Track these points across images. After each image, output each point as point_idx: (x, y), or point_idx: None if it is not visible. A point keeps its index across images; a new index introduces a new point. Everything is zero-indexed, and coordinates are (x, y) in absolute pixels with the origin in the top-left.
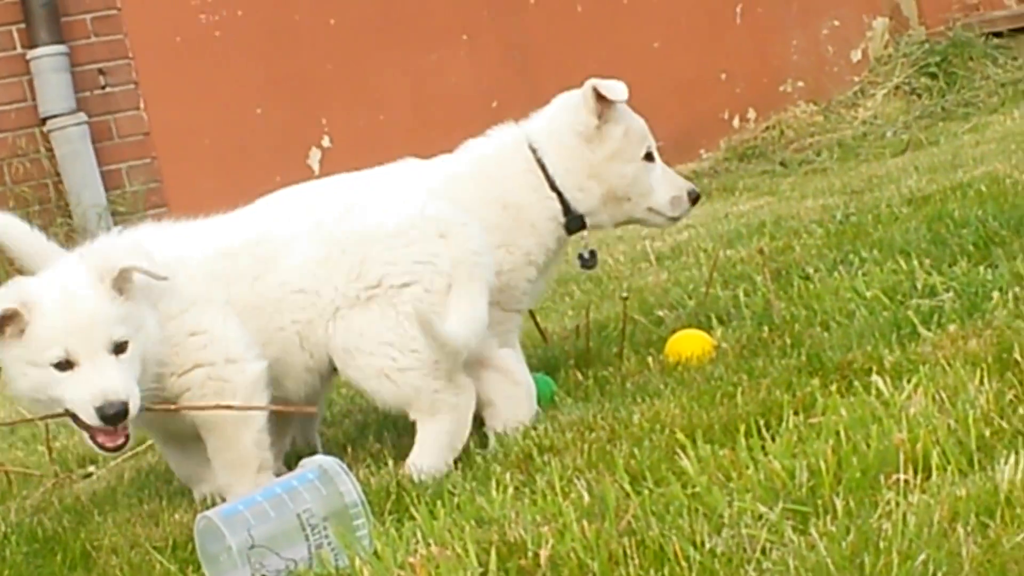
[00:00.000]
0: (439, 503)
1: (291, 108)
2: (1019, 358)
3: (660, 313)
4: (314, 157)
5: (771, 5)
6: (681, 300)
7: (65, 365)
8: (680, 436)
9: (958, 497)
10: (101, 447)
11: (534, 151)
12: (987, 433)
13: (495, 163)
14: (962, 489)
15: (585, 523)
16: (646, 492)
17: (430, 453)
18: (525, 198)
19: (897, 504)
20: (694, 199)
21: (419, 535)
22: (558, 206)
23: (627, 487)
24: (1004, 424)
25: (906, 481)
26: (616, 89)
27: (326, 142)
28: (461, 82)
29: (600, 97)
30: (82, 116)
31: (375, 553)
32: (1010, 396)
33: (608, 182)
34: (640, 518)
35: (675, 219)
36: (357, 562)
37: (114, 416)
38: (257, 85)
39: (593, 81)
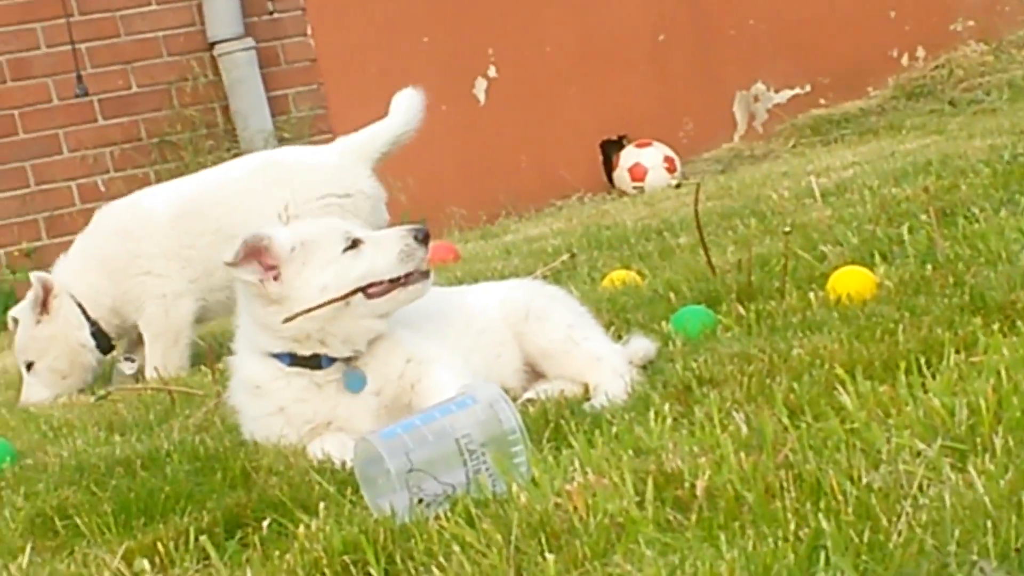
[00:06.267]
0: (597, 432)
1: (458, 37)
2: None
3: (823, 249)
4: (480, 87)
5: None
6: (845, 237)
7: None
8: (840, 371)
9: None
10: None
11: None
12: None
13: None
14: None
15: (742, 455)
16: (804, 426)
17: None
18: None
19: None
20: None
21: (576, 463)
22: None
23: (785, 421)
24: None
25: None
26: None
27: (492, 72)
28: (628, 14)
29: None
30: (250, 41)
31: (532, 480)
32: None
33: None
34: (797, 452)
35: None
36: (514, 488)
37: (426, 234)
38: (425, 13)
39: None
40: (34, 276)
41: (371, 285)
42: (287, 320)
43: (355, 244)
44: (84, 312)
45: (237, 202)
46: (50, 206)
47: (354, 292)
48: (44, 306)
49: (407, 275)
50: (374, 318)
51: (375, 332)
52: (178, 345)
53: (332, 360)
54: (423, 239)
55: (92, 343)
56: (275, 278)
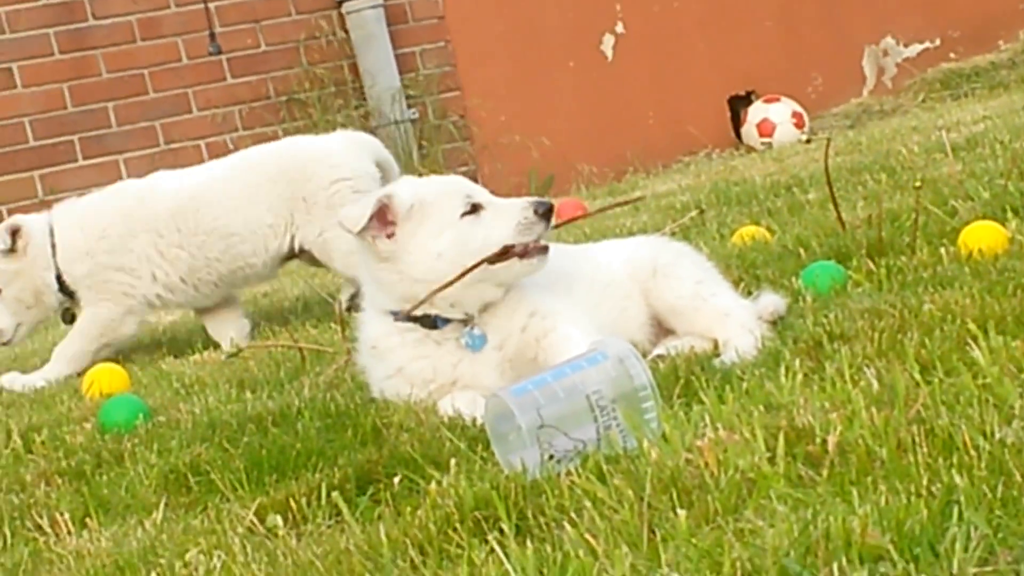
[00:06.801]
0: (727, 388)
1: None
2: None
3: (954, 204)
4: (607, 43)
5: None
6: (976, 191)
7: (472, 210)
8: (972, 327)
9: None
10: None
11: None
12: None
13: None
14: None
15: (874, 410)
16: (936, 381)
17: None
18: None
19: None
20: None
21: (707, 419)
22: None
23: (917, 376)
24: None
25: None
26: None
27: (620, 28)
28: None
29: None
30: None
31: (663, 436)
32: None
33: None
34: (929, 407)
35: None
36: (645, 444)
37: (548, 208)
38: None
39: None
40: (6, 222)
41: (495, 256)
42: (413, 309)
43: (475, 209)
44: (55, 255)
45: (235, 203)
46: (179, 165)
47: (474, 267)
48: (12, 249)
49: (525, 246)
50: (489, 286)
51: (487, 300)
52: (90, 348)
53: (447, 320)
54: (544, 213)
55: (56, 286)
56: (389, 236)
